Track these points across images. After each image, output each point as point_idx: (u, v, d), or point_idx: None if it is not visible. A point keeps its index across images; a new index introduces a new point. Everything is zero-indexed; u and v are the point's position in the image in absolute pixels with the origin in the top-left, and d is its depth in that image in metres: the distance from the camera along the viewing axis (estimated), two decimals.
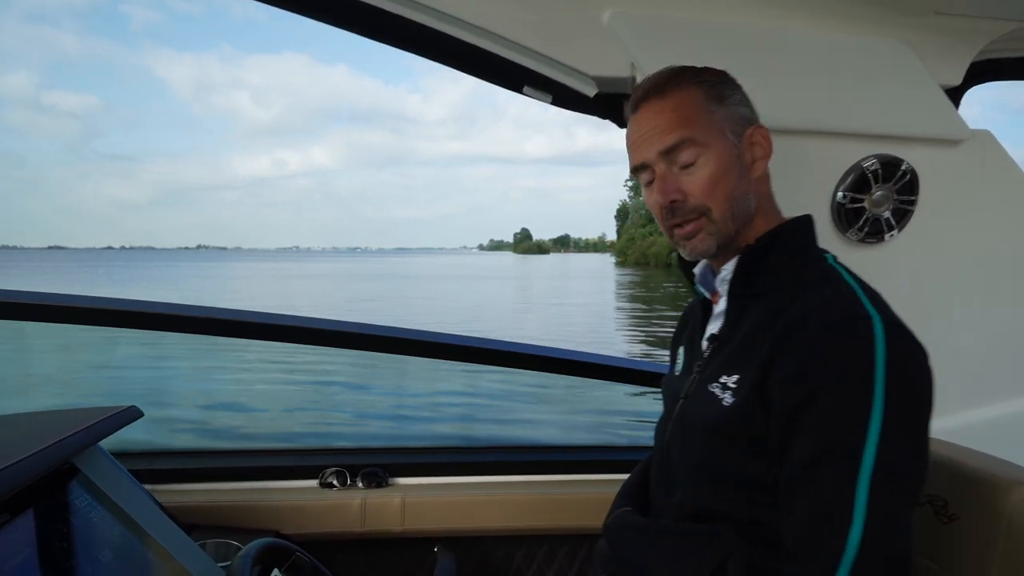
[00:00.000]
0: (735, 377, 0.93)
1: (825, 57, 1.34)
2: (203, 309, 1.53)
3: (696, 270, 1.09)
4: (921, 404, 0.83)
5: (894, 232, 1.43)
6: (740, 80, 1.02)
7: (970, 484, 1.00)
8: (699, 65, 1.00)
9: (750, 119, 0.99)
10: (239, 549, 1.33)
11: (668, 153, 0.95)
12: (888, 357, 0.80)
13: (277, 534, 1.45)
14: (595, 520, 1.61)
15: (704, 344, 1.04)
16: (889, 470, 0.79)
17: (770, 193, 1.02)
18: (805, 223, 1.01)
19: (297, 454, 1.61)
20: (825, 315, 0.84)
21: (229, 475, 1.53)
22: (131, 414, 1.19)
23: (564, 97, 1.35)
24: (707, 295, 1.07)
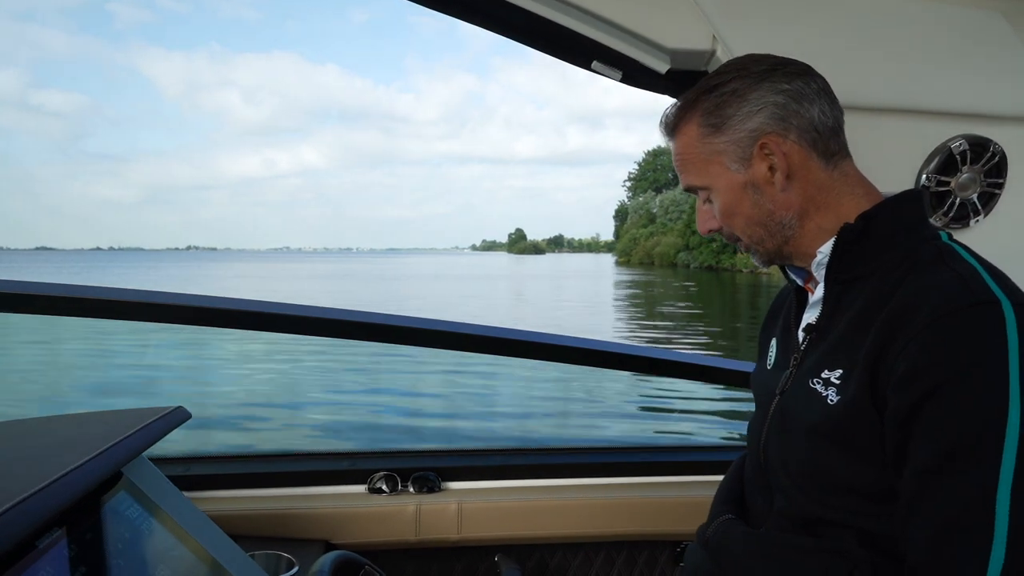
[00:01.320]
0: (838, 372, 0.83)
1: (914, 28, 1.25)
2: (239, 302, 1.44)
3: None
4: None
5: (980, 217, 1.34)
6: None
7: None
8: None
9: (759, 130, 0.88)
10: (290, 562, 1.25)
11: (690, 191, 0.97)
12: (1020, 327, 0.71)
13: (327, 544, 1.36)
14: (656, 526, 1.53)
15: (800, 335, 0.95)
16: None
17: (824, 184, 0.90)
18: (913, 197, 0.90)
19: (343, 457, 1.52)
20: (944, 300, 0.74)
21: (270, 481, 1.45)
22: (180, 416, 1.10)
23: (634, 73, 1.27)
24: (799, 282, 0.98)
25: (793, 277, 0.99)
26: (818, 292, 0.92)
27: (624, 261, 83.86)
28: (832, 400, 0.83)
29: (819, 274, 0.91)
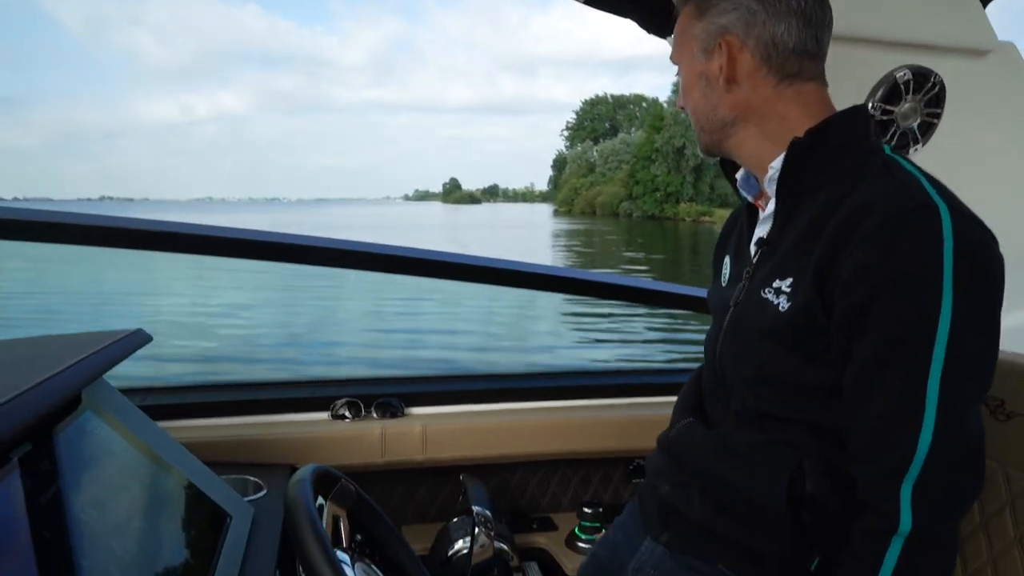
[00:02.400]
0: (789, 280, 0.88)
1: None
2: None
3: (738, 175, 1.04)
4: (993, 292, 0.80)
5: (918, 146, 1.42)
6: None
7: None
8: None
9: (726, 28, 0.92)
10: (258, 484, 1.25)
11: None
12: (956, 246, 0.76)
13: (293, 468, 1.36)
14: (610, 444, 1.60)
15: (752, 249, 1.00)
16: (961, 362, 0.76)
17: (770, 98, 0.92)
18: (859, 113, 0.94)
19: (304, 386, 1.52)
20: (888, 206, 0.79)
21: (231, 410, 1.43)
22: (140, 338, 1.07)
23: None
24: (751, 199, 1.02)
25: (744, 194, 1.03)
26: (769, 207, 0.96)
27: (565, 211, 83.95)
28: (783, 307, 0.88)
29: (770, 189, 0.95)
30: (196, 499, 1.01)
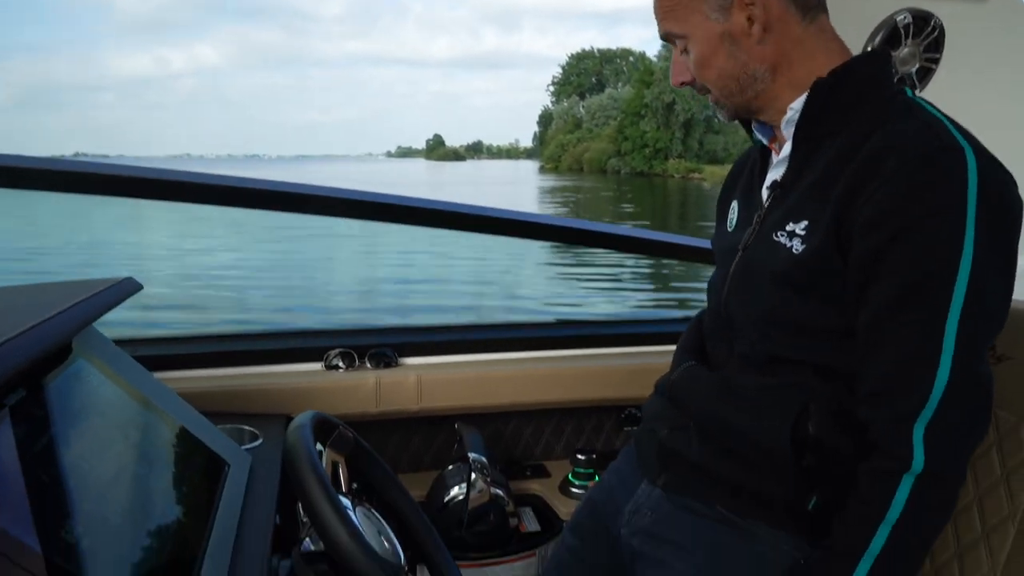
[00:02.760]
0: (804, 223, 0.87)
1: None
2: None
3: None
4: (1013, 234, 0.80)
5: (916, 91, 1.41)
6: None
7: (1017, 324, 1.02)
8: None
9: None
10: (253, 434, 1.25)
11: (667, 39, 0.96)
12: (981, 188, 0.76)
13: (288, 417, 1.36)
14: (602, 393, 1.61)
15: (764, 193, 0.98)
16: (980, 304, 0.77)
17: (800, 38, 0.90)
18: (881, 56, 0.93)
19: (296, 336, 1.51)
20: (912, 147, 0.78)
21: (223, 360, 1.42)
22: (130, 286, 1.05)
23: None
24: (765, 142, 1.01)
25: (759, 137, 1.01)
26: (785, 150, 0.94)
27: (552, 168, 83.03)
28: (797, 250, 0.87)
29: (788, 132, 0.93)
30: (193, 447, 1.00)
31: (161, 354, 1.39)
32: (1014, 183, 0.81)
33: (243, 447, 1.19)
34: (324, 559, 0.85)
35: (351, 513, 0.80)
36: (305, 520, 0.92)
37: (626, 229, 1.75)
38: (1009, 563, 0.96)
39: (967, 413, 0.78)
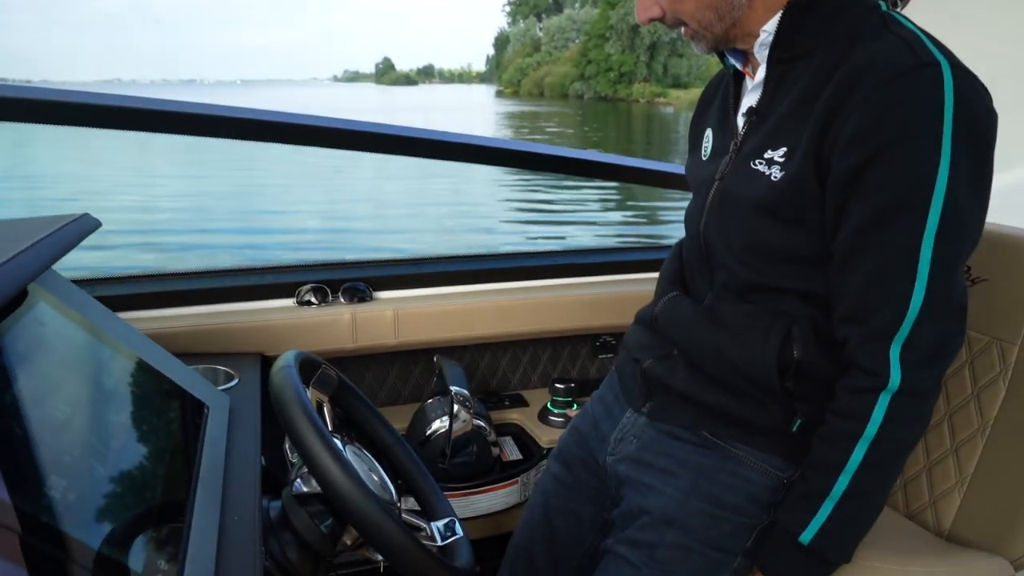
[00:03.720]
0: (782, 150, 0.86)
1: None
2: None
3: None
4: (988, 151, 0.79)
5: (899, 7, 1.38)
6: None
7: (992, 247, 1.04)
8: None
9: None
10: (228, 374, 1.22)
11: None
12: (956, 104, 0.75)
13: (263, 356, 1.33)
14: (576, 322, 1.62)
15: (740, 120, 0.96)
16: (956, 221, 0.77)
17: None
18: None
19: (266, 272, 1.46)
20: (889, 63, 0.77)
21: (190, 299, 1.37)
22: (88, 224, 0.98)
23: None
24: (738, 66, 0.98)
25: (732, 62, 0.98)
26: (759, 74, 0.92)
27: (511, 92, 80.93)
28: (776, 178, 0.86)
29: (761, 55, 0.90)
30: (170, 391, 0.97)
31: (124, 293, 1.32)
32: (989, 97, 0.80)
33: (219, 388, 1.15)
34: (318, 500, 0.84)
35: (344, 454, 0.78)
36: (295, 461, 0.91)
37: (595, 154, 1.72)
38: (976, 475, 1.01)
39: (942, 331, 0.80)
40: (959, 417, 1.05)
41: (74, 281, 1.32)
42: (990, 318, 1.03)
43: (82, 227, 0.97)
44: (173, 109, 1.30)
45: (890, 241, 0.78)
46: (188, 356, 1.27)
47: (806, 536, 0.85)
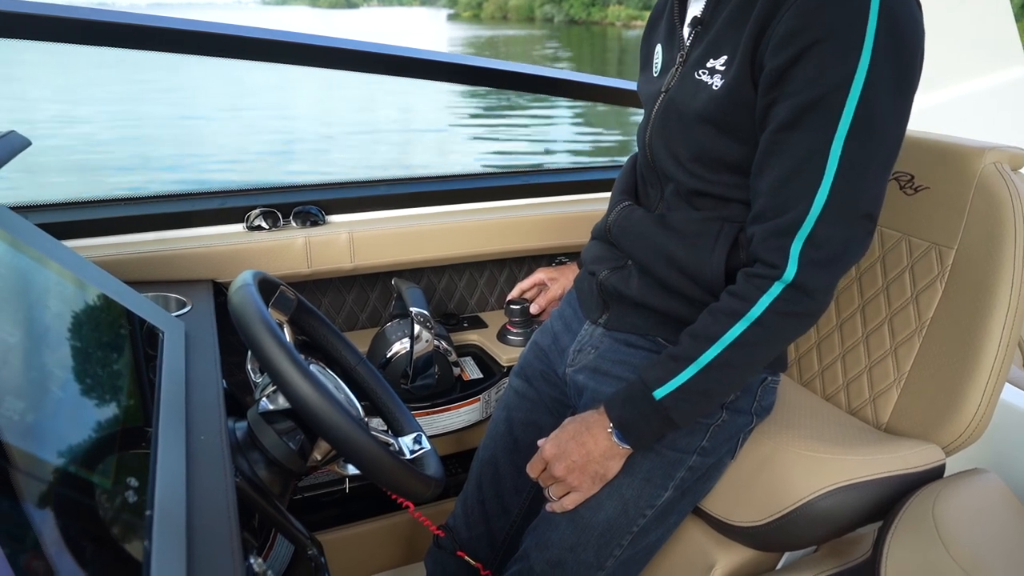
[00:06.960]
0: (723, 59, 0.87)
1: None
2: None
3: None
4: (911, 60, 0.81)
5: None
6: None
7: (935, 157, 1.07)
8: None
9: None
10: (180, 301, 1.19)
11: None
12: (882, 9, 0.77)
13: (214, 282, 1.30)
14: (533, 242, 1.62)
15: (686, 31, 0.96)
16: (868, 124, 0.79)
17: None
18: None
19: (213, 196, 1.40)
20: None
21: (137, 225, 1.32)
22: (16, 142, 0.93)
23: None
24: None
25: None
26: None
27: (471, 16, 76.90)
28: (716, 86, 0.87)
29: None
30: (122, 317, 0.94)
31: (65, 220, 1.26)
32: (919, 9, 0.82)
33: (172, 315, 1.13)
34: (286, 416, 0.84)
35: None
36: (258, 381, 0.90)
37: (549, 70, 1.69)
38: (911, 373, 1.07)
39: (844, 233, 0.82)
40: (899, 319, 1.10)
41: (12, 208, 1.26)
42: (930, 224, 1.07)
43: (9, 145, 0.92)
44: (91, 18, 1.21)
45: (801, 140, 0.80)
46: (137, 284, 1.22)
47: (660, 392, 0.89)
